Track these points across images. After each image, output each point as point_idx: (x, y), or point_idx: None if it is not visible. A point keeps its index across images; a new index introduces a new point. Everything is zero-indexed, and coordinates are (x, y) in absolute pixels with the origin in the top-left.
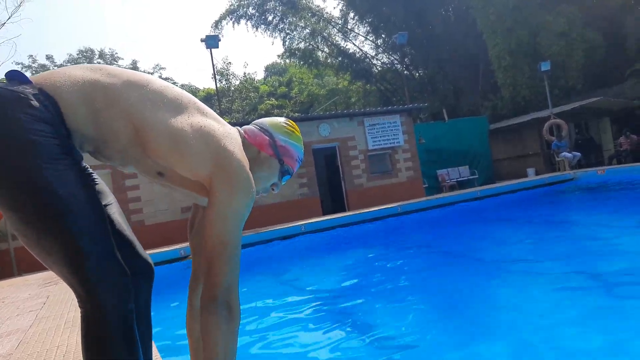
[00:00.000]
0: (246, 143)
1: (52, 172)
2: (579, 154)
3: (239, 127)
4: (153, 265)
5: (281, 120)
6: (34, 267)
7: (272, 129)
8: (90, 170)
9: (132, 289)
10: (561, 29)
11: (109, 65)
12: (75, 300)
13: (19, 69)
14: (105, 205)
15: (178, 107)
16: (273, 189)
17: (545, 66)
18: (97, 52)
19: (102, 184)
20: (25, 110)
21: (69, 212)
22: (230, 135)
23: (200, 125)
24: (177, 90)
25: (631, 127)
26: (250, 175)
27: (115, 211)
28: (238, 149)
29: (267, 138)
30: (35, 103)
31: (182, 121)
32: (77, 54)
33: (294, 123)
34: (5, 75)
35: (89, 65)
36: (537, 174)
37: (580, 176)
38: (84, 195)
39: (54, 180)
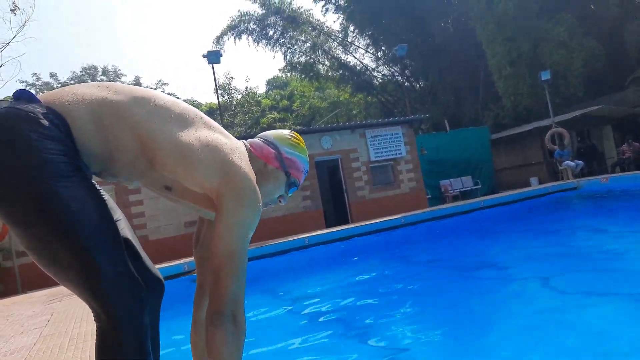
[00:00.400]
0: (252, 156)
1: (63, 190)
2: (581, 162)
3: (244, 141)
4: (163, 280)
5: (286, 132)
6: (38, 285)
7: (278, 142)
8: (99, 187)
9: (147, 303)
10: (561, 38)
11: (115, 83)
12: (80, 317)
13: (23, 87)
14: (115, 221)
15: (185, 121)
16: (280, 201)
17: (545, 75)
18: (100, 69)
19: (110, 200)
20: (35, 129)
21: (82, 228)
22: (237, 148)
23: (207, 139)
24: (184, 105)
25: (634, 135)
26: (257, 188)
27: (124, 226)
28: (245, 163)
29: (273, 151)
30: (44, 122)
31: (190, 135)
32: (81, 72)
33: (298, 135)
34: (13, 95)
35: (95, 83)
36: (540, 183)
37: (584, 185)
38: (96, 211)
39: (66, 198)
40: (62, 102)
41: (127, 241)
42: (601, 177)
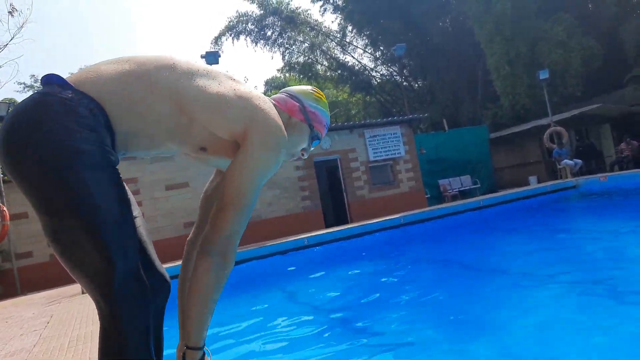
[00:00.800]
0: (277, 109)
1: (92, 182)
2: (580, 161)
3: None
4: (169, 281)
5: (309, 87)
6: (37, 287)
7: (302, 96)
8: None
9: (151, 304)
10: (559, 38)
11: (134, 55)
12: (79, 319)
13: (21, 89)
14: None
15: (209, 75)
16: (303, 154)
17: (543, 74)
18: None
19: (131, 195)
20: (72, 118)
21: (103, 223)
22: (264, 97)
23: (235, 87)
24: (203, 64)
25: (632, 133)
26: (285, 133)
27: (140, 224)
28: (273, 110)
29: (297, 104)
30: (81, 109)
31: (218, 85)
32: None
33: (320, 91)
34: (42, 79)
35: (116, 58)
36: (539, 182)
37: (583, 183)
38: (119, 207)
39: (95, 191)
40: (92, 84)
41: (140, 240)
42: (600, 175)
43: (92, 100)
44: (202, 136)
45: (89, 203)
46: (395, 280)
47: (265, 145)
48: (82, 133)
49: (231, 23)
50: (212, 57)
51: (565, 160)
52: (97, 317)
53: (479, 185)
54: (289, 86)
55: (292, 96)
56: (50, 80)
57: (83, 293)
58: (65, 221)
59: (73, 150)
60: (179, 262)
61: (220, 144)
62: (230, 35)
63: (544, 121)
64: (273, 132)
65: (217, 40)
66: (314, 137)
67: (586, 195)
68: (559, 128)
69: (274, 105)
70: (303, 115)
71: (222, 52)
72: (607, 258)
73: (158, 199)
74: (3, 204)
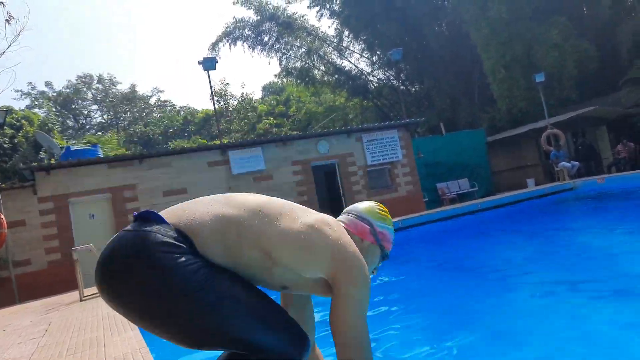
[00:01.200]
0: (349, 232)
1: (217, 286)
2: (577, 163)
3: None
4: None
5: (373, 205)
6: (35, 294)
7: (370, 217)
8: None
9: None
10: (554, 40)
11: (225, 196)
12: (77, 327)
13: (18, 97)
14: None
15: (287, 214)
16: (374, 273)
17: (539, 77)
18: (95, 77)
19: None
20: (167, 248)
21: (239, 314)
22: (338, 227)
23: (311, 224)
24: (279, 200)
25: (628, 135)
26: (366, 264)
27: None
28: (350, 241)
29: (367, 227)
30: (176, 242)
31: (300, 225)
32: (77, 80)
33: (384, 207)
34: (140, 215)
35: (210, 198)
36: (536, 184)
37: (580, 185)
38: (246, 294)
39: (220, 293)
40: (188, 225)
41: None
42: (598, 177)
43: (187, 238)
44: (284, 277)
45: (218, 305)
46: (393, 283)
47: (358, 284)
48: (181, 256)
49: (228, 29)
50: (209, 63)
51: (563, 163)
52: (95, 325)
53: (477, 189)
54: (285, 92)
55: (360, 217)
56: (147, 216)
57: (81, 301)
58: (201, 327)
59: (184, 274)
60: None
61: (302, 282)
62: (227, 41)
63: (540, 124)
64: (359, 269)
65: (214, 46)
66: (384, 257)
67: (584, 197)
68: (556, 130)
69: (347, 230)
70: (374, 237)
71: (219, 57)
72: (605, 259)
73: (156, 205)
74: (0, 212)
